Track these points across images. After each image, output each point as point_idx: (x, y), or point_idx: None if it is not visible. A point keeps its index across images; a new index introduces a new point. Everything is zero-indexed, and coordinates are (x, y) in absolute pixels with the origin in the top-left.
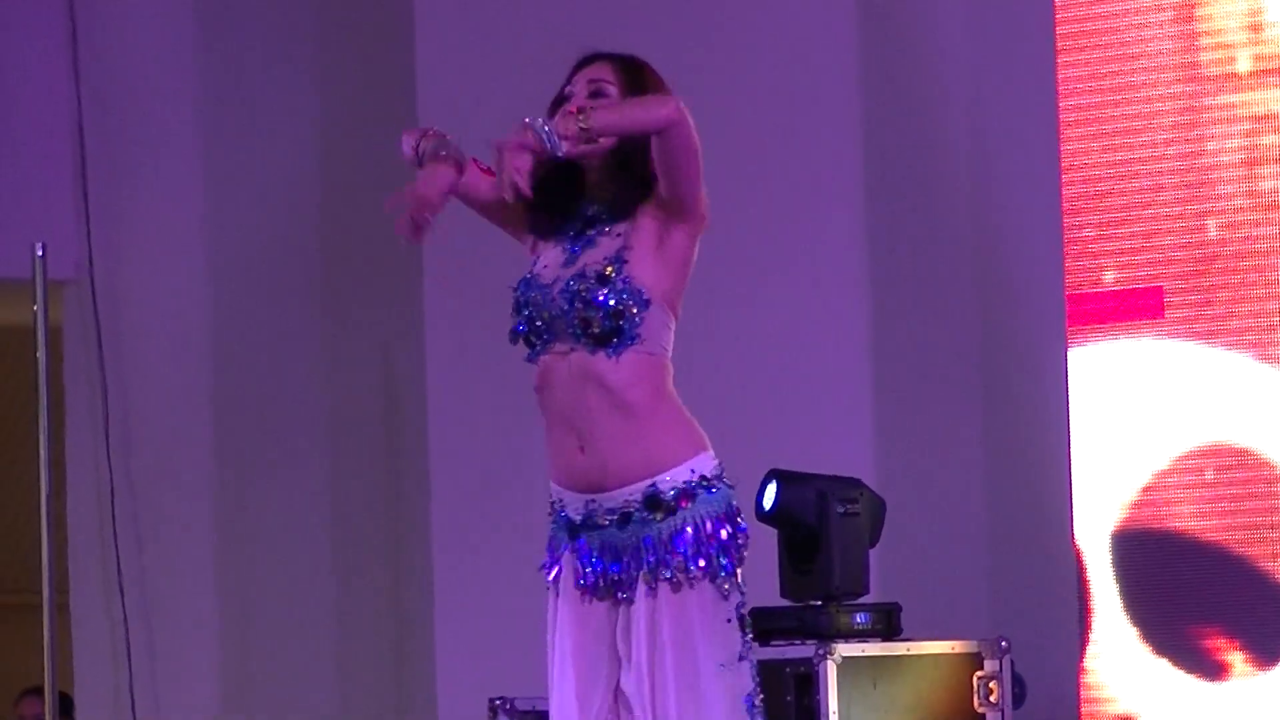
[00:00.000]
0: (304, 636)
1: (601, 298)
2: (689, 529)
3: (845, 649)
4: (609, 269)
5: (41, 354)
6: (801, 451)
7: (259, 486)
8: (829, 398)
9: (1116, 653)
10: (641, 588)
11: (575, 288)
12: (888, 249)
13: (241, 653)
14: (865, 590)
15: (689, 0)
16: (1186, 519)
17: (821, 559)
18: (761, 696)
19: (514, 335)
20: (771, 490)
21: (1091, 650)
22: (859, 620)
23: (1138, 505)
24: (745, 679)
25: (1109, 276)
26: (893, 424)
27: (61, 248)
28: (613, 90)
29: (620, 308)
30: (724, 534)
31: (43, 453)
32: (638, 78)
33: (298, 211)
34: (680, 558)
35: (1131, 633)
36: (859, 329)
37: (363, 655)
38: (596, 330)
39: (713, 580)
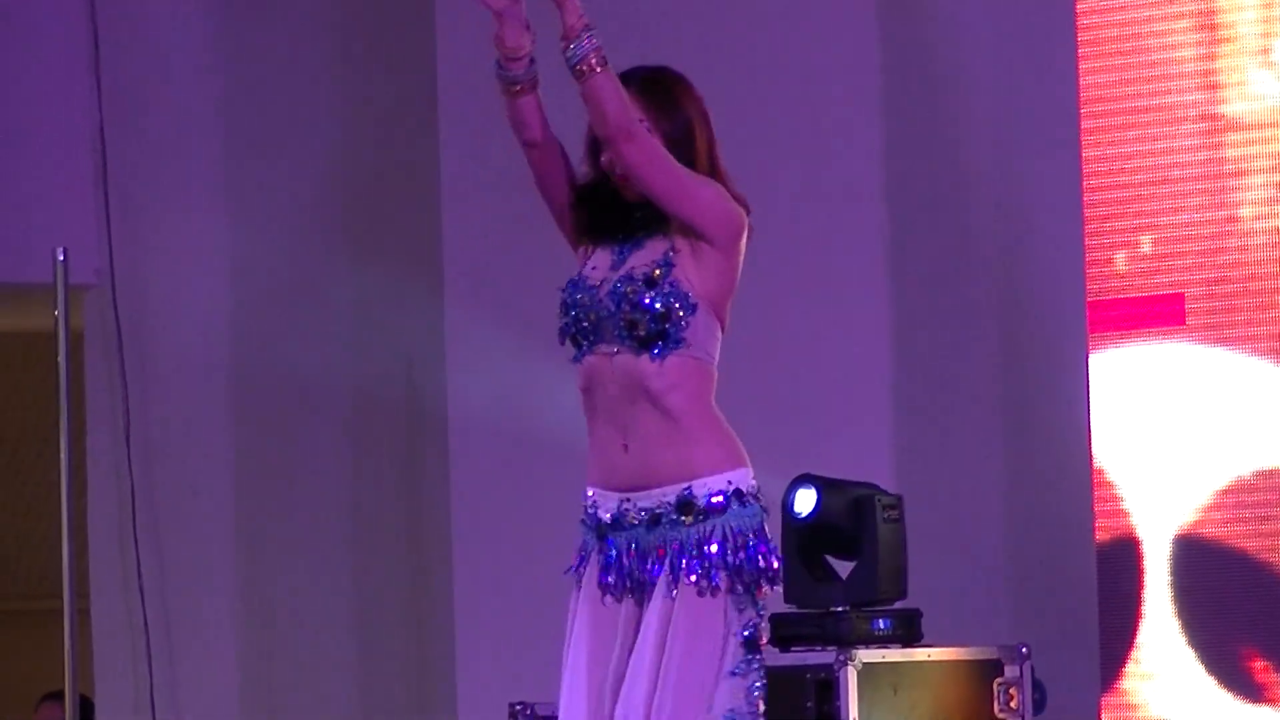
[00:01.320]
0: (324, 641)
1: (648, 300)
2: (718, 538)
3: (866, 655)
4: (657, 271)
5: (62, 359)
6: (821, 458)
7: (279, 491)
8: (849, 404)
9: (1146, 663)
10: (661, 588)
11: (623, 290)
12: (908, 256)
13: (262, 657)
14: (904, 594)
15: (708, 10)
16: (1210, 526)
17: (864, 564)
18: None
19: (561, 335)
20: (810, 495)
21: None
22: (880, 626)
23: (1159, 513)
24: (734, 696)
25: (1130, 283)
26: (913, 430)
27: (83, 253)
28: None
29: (666, 310)
30: (753, 550)
31: (63, 457)
32: (666, 98)
33: (318, 216)
34: (708, 564)
35: (1162, 643)
36: (879, 335)
37: (383, 660)
38: (642, 332)
39: (730, 593)
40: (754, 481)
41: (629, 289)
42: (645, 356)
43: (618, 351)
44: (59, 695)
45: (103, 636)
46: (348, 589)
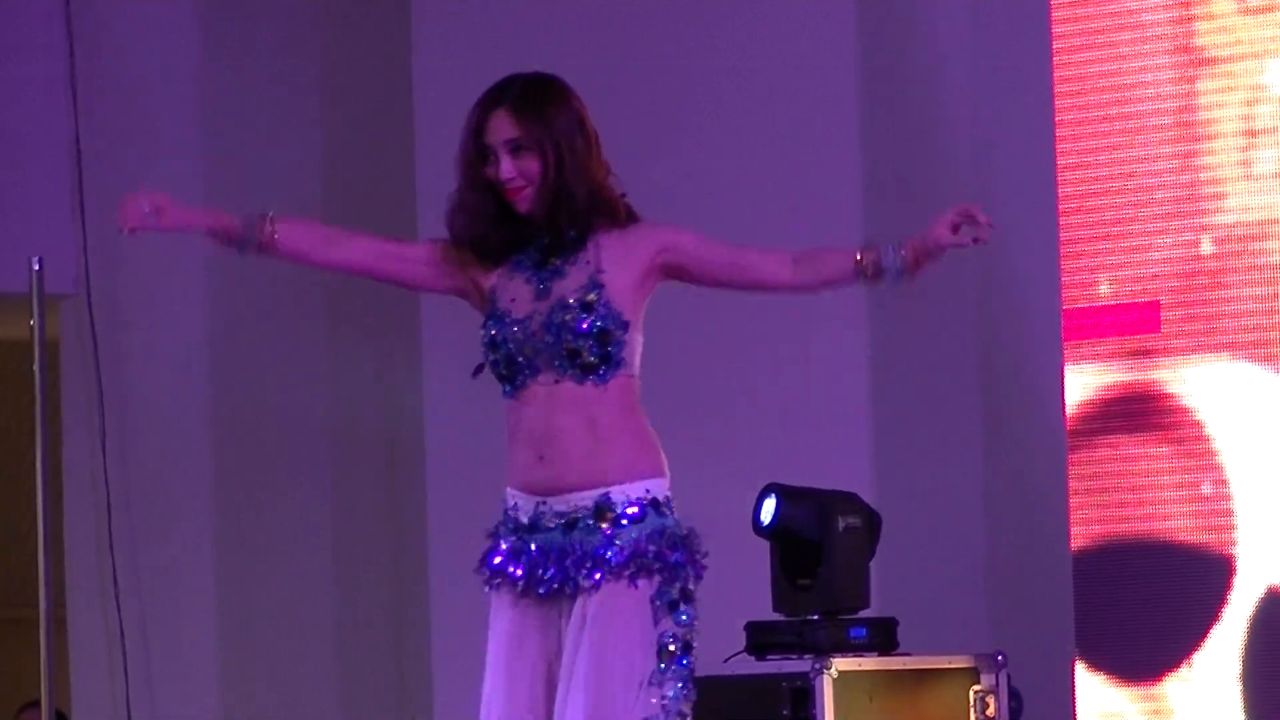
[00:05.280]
0: (303, 650)
1: (586, 325)
2: (629, 546)
3: (842, 663)
4: (590, 295)
5: (38, 368)
6: (799, 467)
7: (257, 500)
8: (827, 413)
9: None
10: (578, 601)
11: (559, 318)
12: None
13: (240, 667)
14: (867, 604)
15: (688, 9)
16: (1184, 532)
17: (824, 573)
18: None
19: (492, 370)
20: (770, 504)
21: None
22: (856, 635)
23: (1137, 519)
24: (647, 706)
25: (1105, 290)
26: (891, 438)
27: (58, 262)
28: (524, 141)
29: (605, 332)
30: (670, 559)
31: (39, 466)
32: (539, 117)
33: None
34: (614, 573)
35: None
36: (857, 346)
37: (362, 668)
38: (585, 359)
39: (646, 603)
40: (669, 492)
41: (566, 317)
42: (589, 383)
43: (557, 381)
44: (39, 704)
45: (80, 646)
46: (327, 596)
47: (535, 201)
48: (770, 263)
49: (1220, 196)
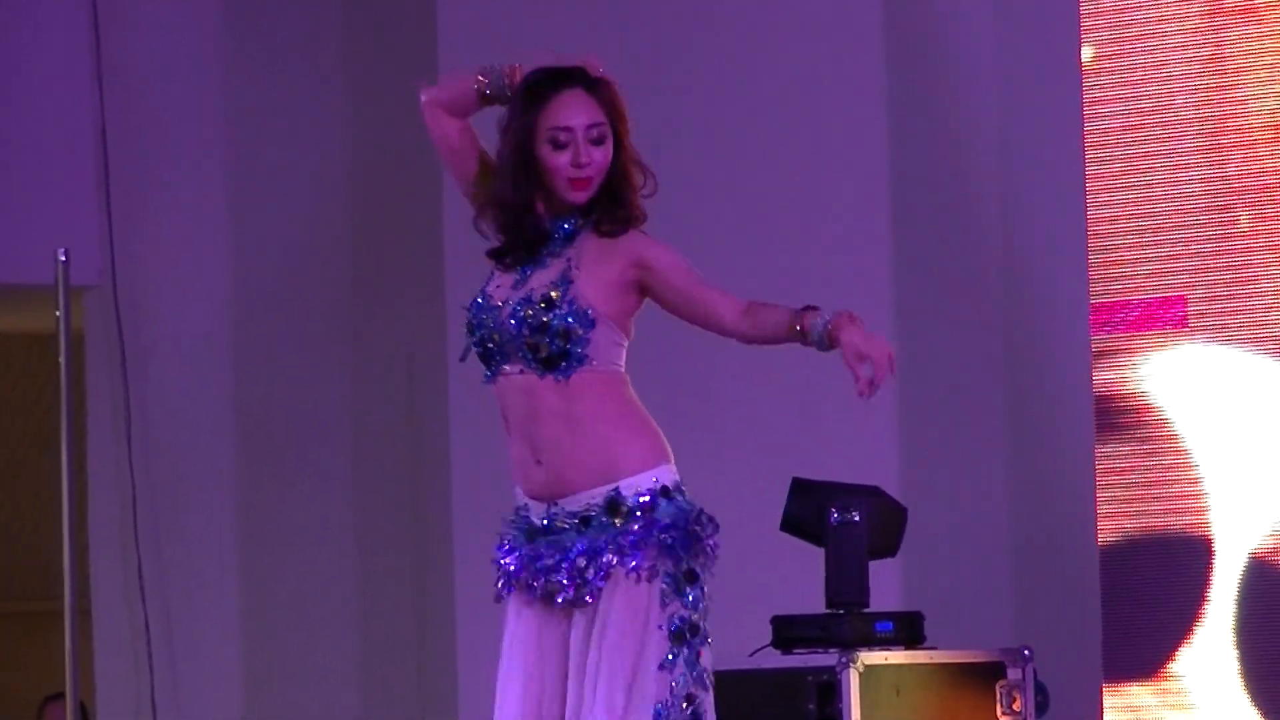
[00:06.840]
0: (326, 643)
1: (547, 320)
2: (640, 536)
3: (868, 657)
4: (554, 292)
5: (63, 360)
6: (826, 462)
7: (281, 493)
8: (854, 408)
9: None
10: (594, 590)
11: (522, 312)
12: (912, 260)
13: (263, 660)
14: (866, 602)
15: (714, 19)
16: (1210, 527)
17: (825, 568)
18: (691, 711)
19: (465, 355)
20: (788, 500)
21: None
22: (882, 629)
23: (1164, 514)
24: (661, 688)
25: (1133, 286)
26: (917, 433)
27: (84, 254)
28: (603, 130)
29: (566, 330)
30: (680, 544)
31: (64, 459)
32: (613, 102)
33: (321, 218)
34: (628, 561)
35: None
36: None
37: (385, 662)
38: (544, 354)
39: (650, 582)
40: (677, 476)
41: (528, 312)
42: (550, 378)
43: (522, 372)
44: (64, 696)
45: (104, 639)
46: (350, 591)
47: (591, 192)
48: (725, 307)
49: (1250, 191)
